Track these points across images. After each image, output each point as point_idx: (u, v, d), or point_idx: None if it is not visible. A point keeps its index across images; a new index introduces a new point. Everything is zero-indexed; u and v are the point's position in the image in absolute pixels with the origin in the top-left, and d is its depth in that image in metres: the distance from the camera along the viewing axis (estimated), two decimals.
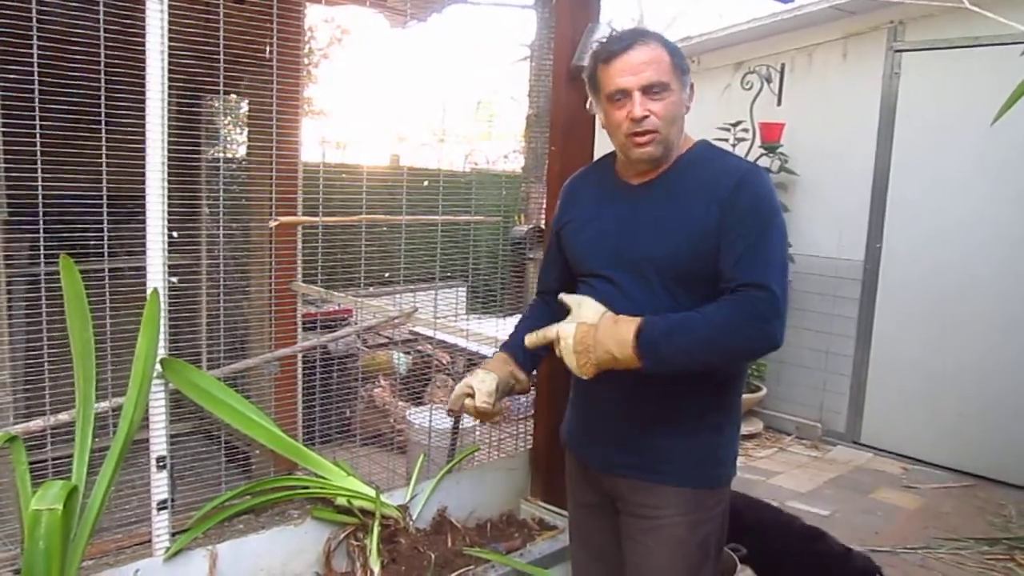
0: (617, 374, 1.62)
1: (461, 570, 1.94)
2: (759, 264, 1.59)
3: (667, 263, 1.67)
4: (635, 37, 1.67)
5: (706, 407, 1.75)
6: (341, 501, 2.01)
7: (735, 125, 5.09)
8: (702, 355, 1.60)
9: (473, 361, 3.70)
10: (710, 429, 1.76)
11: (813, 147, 5.11)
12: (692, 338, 1.57)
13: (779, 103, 5.12)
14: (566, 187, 1.93)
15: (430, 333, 3.22)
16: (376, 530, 1.95)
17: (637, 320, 1.59)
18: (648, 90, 1.65)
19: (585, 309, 1.67)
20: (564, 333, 1.64)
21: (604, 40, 1.74)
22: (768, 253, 1.60)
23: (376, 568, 1.89)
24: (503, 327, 2.91)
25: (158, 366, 1.87)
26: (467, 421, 3.68)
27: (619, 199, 1.77)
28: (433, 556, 1.97)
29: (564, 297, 1.74)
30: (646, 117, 1.65)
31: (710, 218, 1.64)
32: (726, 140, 5.10)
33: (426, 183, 2.75)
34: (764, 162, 5.09)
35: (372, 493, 1.99)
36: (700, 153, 1.75)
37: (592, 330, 1.62)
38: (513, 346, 1.94)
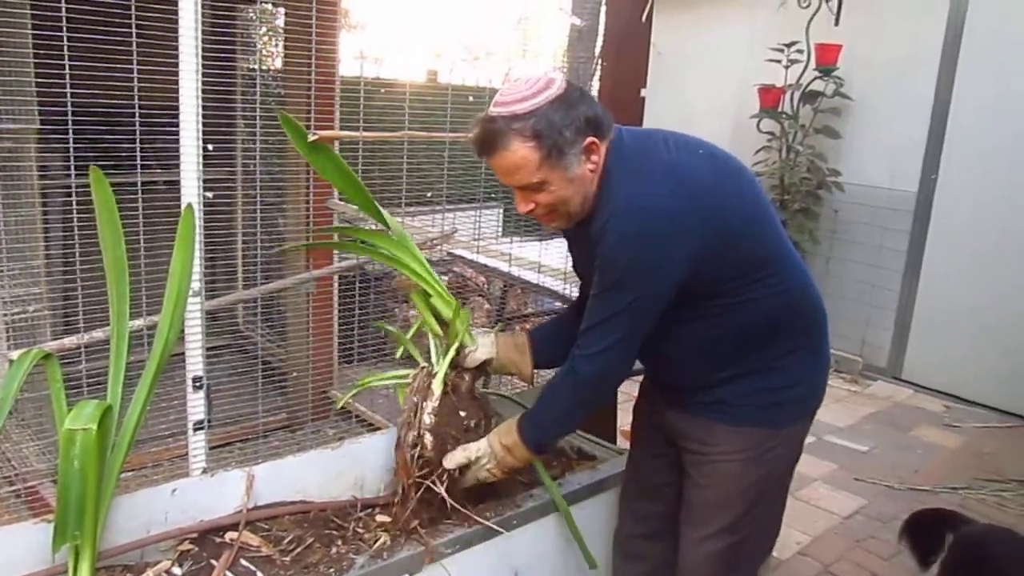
0: (669, 344, 1.69)
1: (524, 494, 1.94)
2: (591, 317, 1.63)
3: None
4: (494, 140, 1.53)
5: (755, 354, 1.70)
6: (435, 302, 1.93)
7: (789, 46, 4.85)
8: (572, 423, 1.87)
9: (511, 284, 3.63)
10: (767, 372, 1.71)
11: (871, 71, 4.86)
12: (557, 416, 1.77)
13: (836, 23, 4.87)
14: None
15: (466, 254, 3.15)
16: (452, 354, 1.88)
17: (514, 428, 1.77)
18: (523, 188, 1.57)
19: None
20: (481, 451, 1.80)
21: (474, 126, 1.59)
22: (603, 309, 1.59)
23: (437, 391, 1.84)
24: (544, 251, 2.84)
25: (194, 284, 1.82)
26: None
27: (583, 237, 1.68)
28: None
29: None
30: (532, 210, 1.61)
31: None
32: (779, 61, 4.88)
33: (471, 98, 2.63)
34: (818, 86, 4.87)
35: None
36: (600, 194, 1.60)
37: (497, 440, 1.79)
38: (541, 335, 1.97)
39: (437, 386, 1.85)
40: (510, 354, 1.93)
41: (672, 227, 1.52)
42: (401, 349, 2.05)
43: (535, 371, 1.97)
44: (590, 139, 1.54)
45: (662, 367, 1.81)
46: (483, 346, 1.92)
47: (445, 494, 1.79)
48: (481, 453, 1.79)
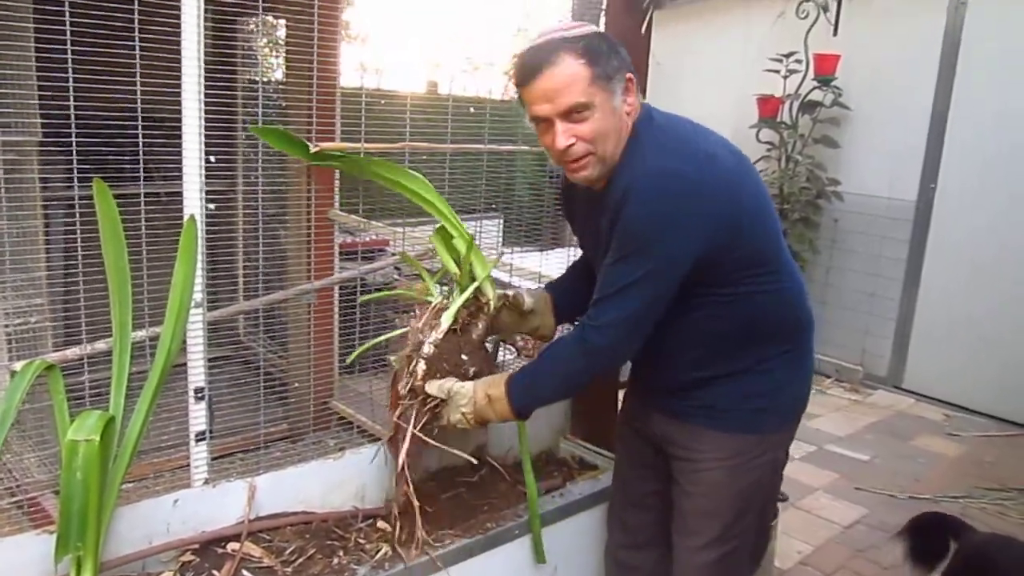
0: (665, 339, 1.67)
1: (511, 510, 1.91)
2: (606, 286, 1.59)
3: None
4: (544, 57, 1.51)
5: (748, 356, 1.70)
6: (455, 238, 1.91)
7: (788, 56, 4.88)
8: (566, 394, 2.04)
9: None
10: (756, 374, 1.71)
11: (869, 81, 4.89)
12: (556, 383, 1.72)
13: (835, 33, 4.87)
14: (562, 180, 1.82)
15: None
16: (467, 293, 1.83)
17: (503, 382, 1.71)
18: (568, 115, 1.53)
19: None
20: (463, 391, 1.73)
21: (519, 55, 1.59)
22: (619, 277, 1.56)
23: (444, 324, 1.78)
24: (545, 262, 2.85)
25: (196, 295, 1.83)
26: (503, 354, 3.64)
27: (595, 209, 1.66)
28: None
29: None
30: (572, 145, 1.55)
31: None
32: (777, 71, 4.90)
33: (472, 109, 2.64)
34: (817, 95, 4.89)
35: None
36: (624, 159, 1.59)
37: (483, 389, 1.72)
38: (556, 289, 1.98)
39: (446, 319, 1.79)
40: (545, 315, 1.94)
41: (695, 196, 1.51)
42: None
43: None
44: (629, 75, 1.57)
45: (655, 365, 1.78)
46: (530, 296, 1.92)
47: (419, 432, 1.74)
48: (463, 392, 1.72)
